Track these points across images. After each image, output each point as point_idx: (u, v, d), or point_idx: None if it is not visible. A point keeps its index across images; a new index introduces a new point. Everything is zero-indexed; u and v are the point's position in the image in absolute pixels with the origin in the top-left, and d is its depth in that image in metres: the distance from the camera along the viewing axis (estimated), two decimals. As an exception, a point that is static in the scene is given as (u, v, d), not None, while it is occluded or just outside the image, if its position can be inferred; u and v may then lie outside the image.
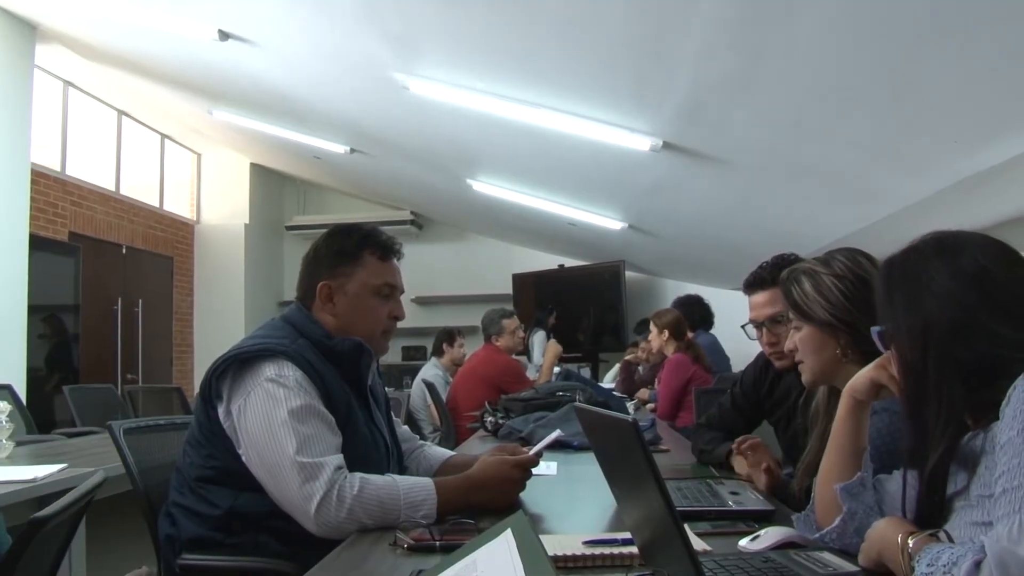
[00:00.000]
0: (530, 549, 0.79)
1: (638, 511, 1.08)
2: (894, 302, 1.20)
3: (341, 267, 1.91)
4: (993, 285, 1.12)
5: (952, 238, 1.19)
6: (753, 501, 1.74)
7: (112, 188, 8.18)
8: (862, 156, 3.70)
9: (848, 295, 1.62)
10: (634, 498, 1.07)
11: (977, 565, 0.92)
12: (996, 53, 2.46)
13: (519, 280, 9.60)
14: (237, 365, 1.74)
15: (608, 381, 6.97)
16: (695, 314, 5.62)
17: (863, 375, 1.32)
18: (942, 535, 1.09)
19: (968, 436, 1.13)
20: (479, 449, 2.54)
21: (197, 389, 1.83)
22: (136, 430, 2.04)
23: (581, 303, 9.13)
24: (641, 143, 4.19)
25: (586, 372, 8.27)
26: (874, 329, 1.25)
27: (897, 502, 1.25)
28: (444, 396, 5.33)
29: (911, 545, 1.08)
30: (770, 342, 2.20)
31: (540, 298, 9.32)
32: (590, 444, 1.38)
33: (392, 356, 9.48)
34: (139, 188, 8.68)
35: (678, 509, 1.58)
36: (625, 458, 1.00)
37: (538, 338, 8.04)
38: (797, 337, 1.71)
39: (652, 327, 5.11)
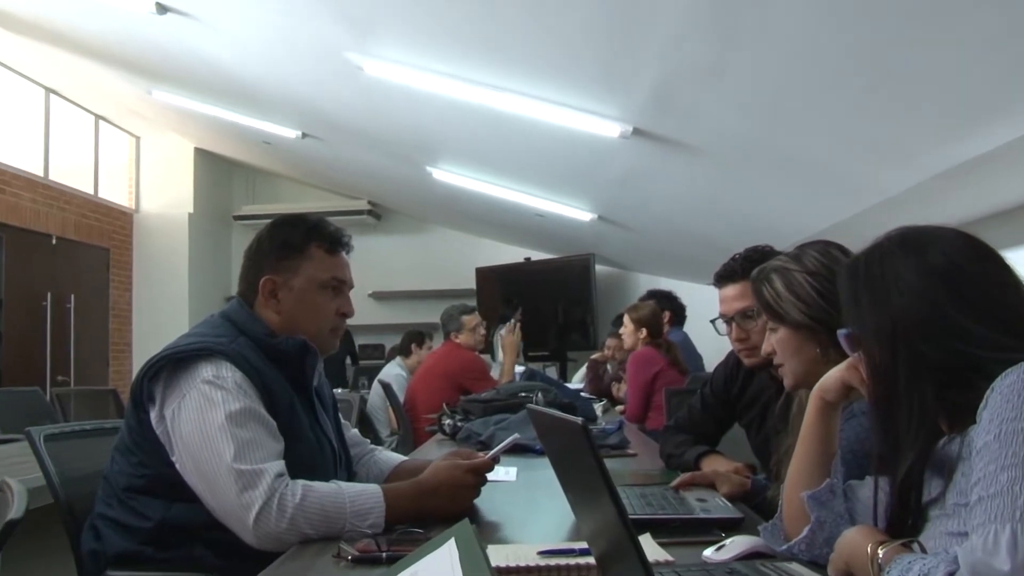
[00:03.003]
0: (472, 560, 0.79)
1: (593, 519, 1.07)
2: (860, 302, 1.20)
3: (286, 261, 1.89)
4: (962, 280, 1.12)
5: (918, 233, 1.20)
6: (721, 508, 1.74)
7: (40, 173, 8.00)
8: (840, 145, 3.73)
9: (823, 293, 1.60)
10: (588, 505, 1.07)
11: (950, 577, 0.92)
12: (979, 39, 2.49)
13: (483, 274, 9.59)
14: (171, 365, 1.71)
15: (576, 381, 6.98)
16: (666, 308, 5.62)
17: (833, 375, 1.33)
18: (915, 545, 1.09)
19: (944, 441, 1.13)
20: (436, 453, 2.53)
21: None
22: (59, 436, 2.00)
23: (549, 298, 9.12)
24: (611, 129, 4.20)
25: (552, 372, 8.29)
26: (840, 332, 1.25)
27: (869, 510, 1.26)
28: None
29: (881, 555, 1.08)
30: (739, 337, 2.20)
31: (505, 293, 9.30)
32: (544, 448, 1.38)
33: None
34: (71, 173, 8.50)
35: (642, 517, 1.61)
36: (577, 463, 1.00)
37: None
38: (774, 339, 1.69)
39: (627, 321, 5.08)
